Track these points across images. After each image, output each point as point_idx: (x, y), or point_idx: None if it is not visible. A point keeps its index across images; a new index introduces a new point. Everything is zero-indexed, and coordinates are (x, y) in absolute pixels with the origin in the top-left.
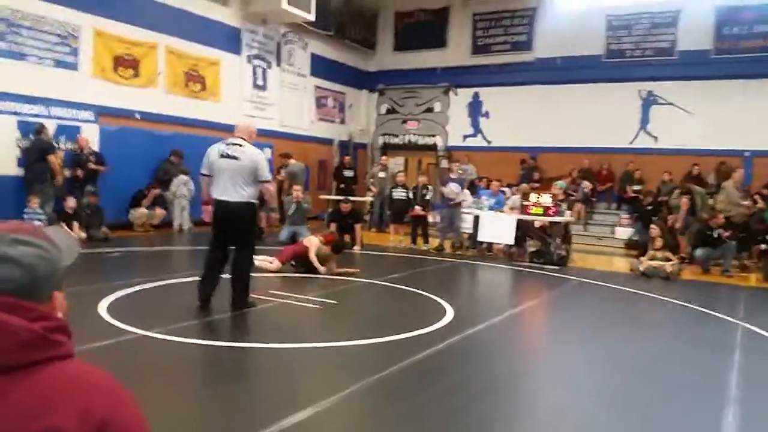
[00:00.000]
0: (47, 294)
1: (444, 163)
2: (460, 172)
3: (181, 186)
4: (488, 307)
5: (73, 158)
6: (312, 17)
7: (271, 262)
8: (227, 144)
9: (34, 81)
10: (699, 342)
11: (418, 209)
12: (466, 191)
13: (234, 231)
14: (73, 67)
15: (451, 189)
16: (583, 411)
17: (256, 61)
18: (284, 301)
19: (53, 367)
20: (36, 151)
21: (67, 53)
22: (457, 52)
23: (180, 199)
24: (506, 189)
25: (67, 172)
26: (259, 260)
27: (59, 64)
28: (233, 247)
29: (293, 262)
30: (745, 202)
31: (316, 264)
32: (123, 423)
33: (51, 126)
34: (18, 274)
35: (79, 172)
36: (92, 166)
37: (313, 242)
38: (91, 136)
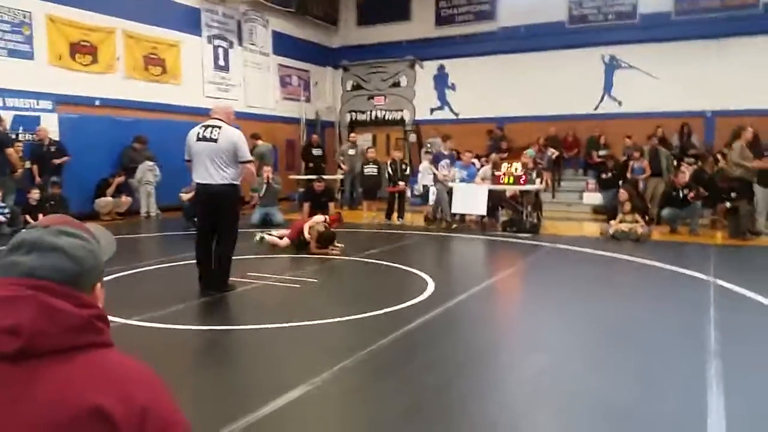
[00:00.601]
0: (91, 284)
1: (412, 138)
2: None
3: (147, 172)
4: (467, 278)
5: (34, 150)
6: None
7: (281, 238)
8: (204, 126)
9: None
10: (674, 301)
11: (400, 185)
12: (452, 167)
13: (218, 213)
14: (27, 56)
15: (444, 166)
16: (568, 375)
17: (217, 41)
18: (264, 282)
19: (96, 353)
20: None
21: (21, 42)
22: (421, 24)
23: (146, 185)
24: (475, 160)
25: (27, 164)
26: (268, 237)
27: (12, 53)
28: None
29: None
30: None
31: (306, 235)
32: (161, 412)
33: (8, 117)
34: (67, 264)
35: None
36: (56, 161)
37: (317, 219)
38: (50, 125)
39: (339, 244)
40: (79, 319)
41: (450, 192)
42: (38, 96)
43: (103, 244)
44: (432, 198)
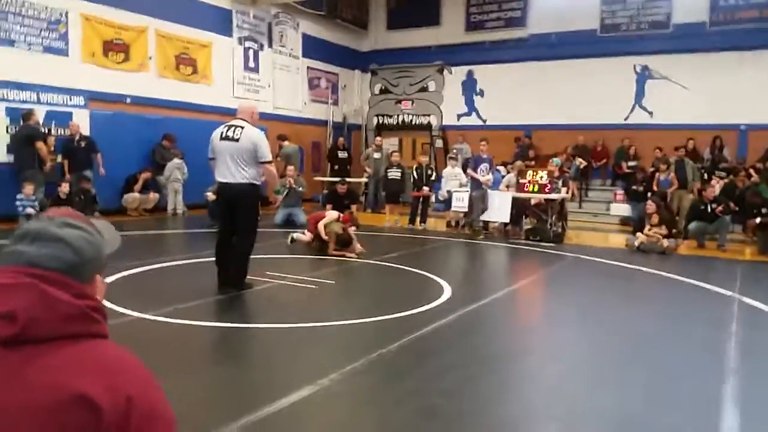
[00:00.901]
0: (90, 276)
1: (438, 143)
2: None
3: (175, 170)
4: (485, 285)
5: (65, 144)
6: None
7: (304, 233)
8: (228, 126)
9: (23, 67)
10: (696, 316)
11: (425, 189)
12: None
13: (237, 212)
14: (62, 52)
15: (483, 170)
16: (582, 386)
17: (248, 43)
18: (281, 282)
19: (90, 342)
20: (23, 138)
21: (56, 39)
22: (450, 29)
23: (173, 183)
24: (501, 167)
25: (58, 158)
26: (297, 235)
27: (48, 49)
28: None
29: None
30: None
31: (322, 232)
32: (147, 403)
33: (41, 112)
34: (67, 254)
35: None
36: (99, 162)
37: (332, 215)
38: (82, 121)
39: (360, 249)
40: (75, 308)
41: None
42: (71, 92)
43: (107, 239)
44: (457, 204)
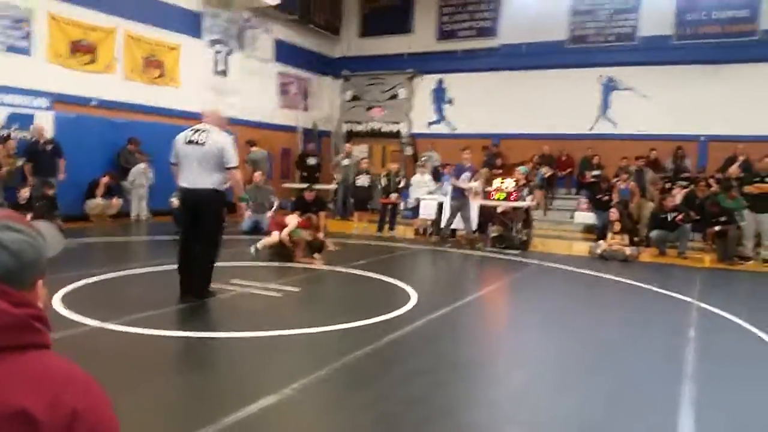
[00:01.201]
0: (31, 282)
1: (408, 150)
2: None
3: (140, 175)
4: (451, 292)
5: (29, 147)
6: (277, 0)
7: (269, 235)
8: (194, 130)
9: None
10: (657, 322)
11: (393, 196)
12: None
13: (201, 218)
14: (26, 52)
15: (465, 179)
16: (544, 393)
17: (218, 46)
18: (246, 290)
19: (30, 354)
20: None
21: (20, 38)
22: (422, 37)
23: (138, 188)
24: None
25: (19, 161)
26: (260, 243)
27: (11, 48)
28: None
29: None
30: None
31: (285, 240)
32: (93, 416)
33: (2, 114)
34: (6, 259)
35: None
36: (61, 167)
37: (291, 221)
38: (45, 123)
39: (317, 256)
40: (14, 318)
41: (440, 205)
42: (35, 93)
43: (49, 241)
44: (425, 211)
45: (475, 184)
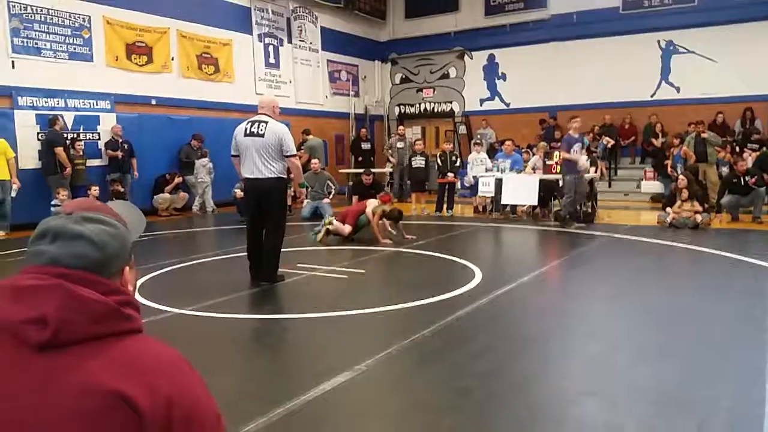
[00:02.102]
0: (117, 269)
1: (462, 129)
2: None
3: (201, 169)
4: (516, 268)
5: (110, 145)
6: None
7: (344, 224)
8: (251, 122)
9: (50, 75)
10: (733, 288)
11: (450, 176)
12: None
13: (266, 206)
14: (87, 58)
15: (576, 150)
16: (619, 362)
17: (267, 39)
18: (312, 273)
19: (125, 340)
20: (46, 144)
21: (81, 45)
22: (469, 14)
23: (201, 183)
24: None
25: (87, 162)
26: (332, 226)
27: (74, 56)
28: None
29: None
30: None
31: (372, 217)
32: (188, 401)
33: (70, 117)
34: (90, 251)
35: (119, 154)
36: (134, 165)
37: (371, 202)
38: (109, 124)
39: (409, 236)
40: (105, 306)
41: (499, 182)
42: (97, 96)
43: (131, 225)
44: (483, 189)
45: (583, 158)
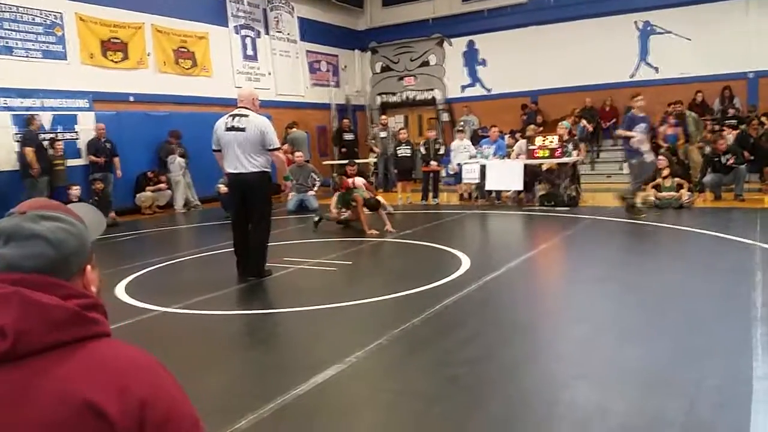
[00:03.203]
0: (78, 269)
1: (444, 117)
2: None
3: (172, 166)
4: (504, 253)
5: (93, 144)
6: None
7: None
8: (232, 116)
9: (23, 74)
10: (719, 266)
11: (433, 164)
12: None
13: (250, 200)
14: (61, 56)
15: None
16: (610, 344)
17: (244, 31)
18: (300, 266)
19: (91, 345)
20: (20, 144)
21: (54, 43)
22: (447, 0)
23: (177, 178)
24: (508, 136)
25: (66, 163)
26: (329, 214)
27: (47, 54)
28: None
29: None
30: None
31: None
32: (162, 404)
33: (47, 117)
34: (47, 250)
35: (101, 159)
36: (117, 164)
37: (358, 182)
38: (88, 123)
39: (391, 229)
40: (66, 311)
41: (483, 168)
42: (74, 95)
43: (89, 224)
44: (468, 175)
45: (640, 136)
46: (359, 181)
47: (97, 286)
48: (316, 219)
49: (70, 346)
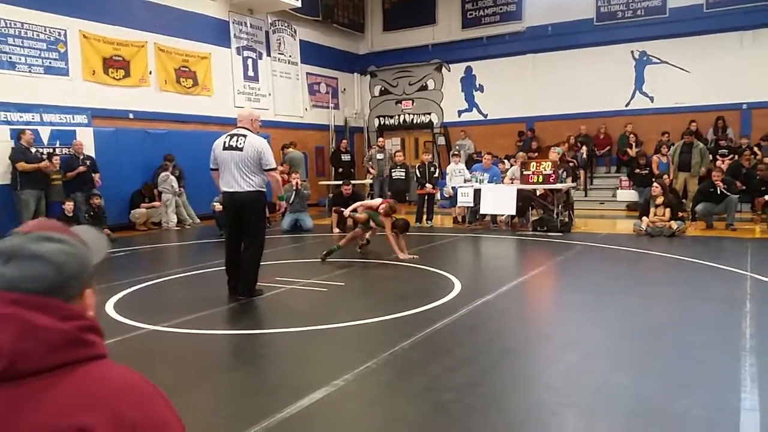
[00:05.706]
0: (77, 292)
1: (441, 140)
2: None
3: (165, 184)
4: (495, 278)
5: (69, 162)
6: (298, 3)
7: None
8: (230, 136)
9: (25, 89)
10: (709, 296)
11: (428, 187)
12: None
13: (244, 220)
14: (63, 72)
15: None
16: (598, 372)
17: (246, 52)
18: (291, 286)
19: (86, 368)
20: (12, 159)
21: (56, 59)
22: (446, 27)
23: (168, 196)
24: (505, 161)
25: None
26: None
27: (49, 70)
28: (244, 235)
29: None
30: None
31: (386, 228)
32: (154, 426)
33: (45, 132)
34: (48, 272)
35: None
36: (97, 181)
37: (375, 203)
38: (86, 138)
39: (411, 255)
40: (64, 335)
41: (477, 192)
42: (74, 111)
43: (92, 247)
44: (462, 199)
45: None
46: (383, 205)
47: (93, 309)
48: (326, 252)
49: (66, 368)
